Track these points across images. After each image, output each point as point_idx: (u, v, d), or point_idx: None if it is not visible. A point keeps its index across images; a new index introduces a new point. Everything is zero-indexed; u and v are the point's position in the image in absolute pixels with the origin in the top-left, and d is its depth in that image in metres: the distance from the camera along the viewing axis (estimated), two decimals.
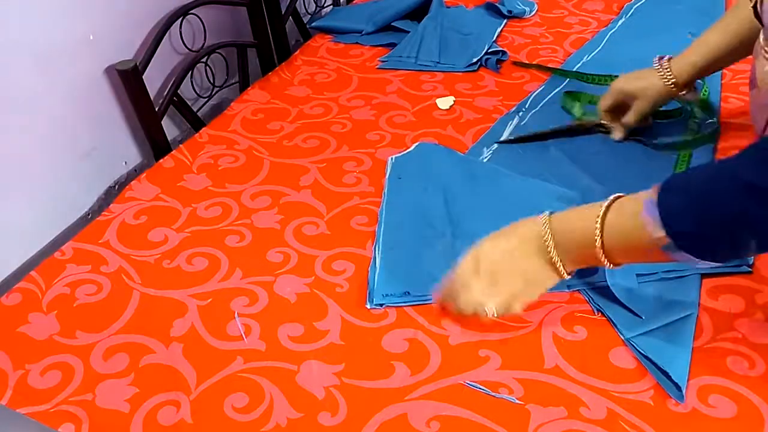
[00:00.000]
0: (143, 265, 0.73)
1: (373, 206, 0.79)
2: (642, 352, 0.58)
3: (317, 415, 0.56)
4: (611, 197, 0.55)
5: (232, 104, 1.01)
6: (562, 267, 0.57)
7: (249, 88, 1.05)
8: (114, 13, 0.88)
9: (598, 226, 0.53)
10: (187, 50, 1.01)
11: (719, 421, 0.54)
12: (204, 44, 1.03)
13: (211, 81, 1.06)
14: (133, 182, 0.85)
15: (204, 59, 1.03)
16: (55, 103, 0.82)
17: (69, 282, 0.71)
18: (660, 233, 0.49)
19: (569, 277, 0.59)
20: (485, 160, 0.85)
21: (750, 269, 0.66)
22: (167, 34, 0.95)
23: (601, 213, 0.54)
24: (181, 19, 0.96)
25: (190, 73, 1.00)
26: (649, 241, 0.50)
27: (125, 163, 0.96)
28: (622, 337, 0.61)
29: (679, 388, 0.55)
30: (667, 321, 0.61)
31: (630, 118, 0.83)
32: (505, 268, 0.59)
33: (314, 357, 0.61)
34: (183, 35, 0.98)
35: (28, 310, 0.68)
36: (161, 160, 0.89)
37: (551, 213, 0.58)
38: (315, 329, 0.64)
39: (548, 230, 0.57)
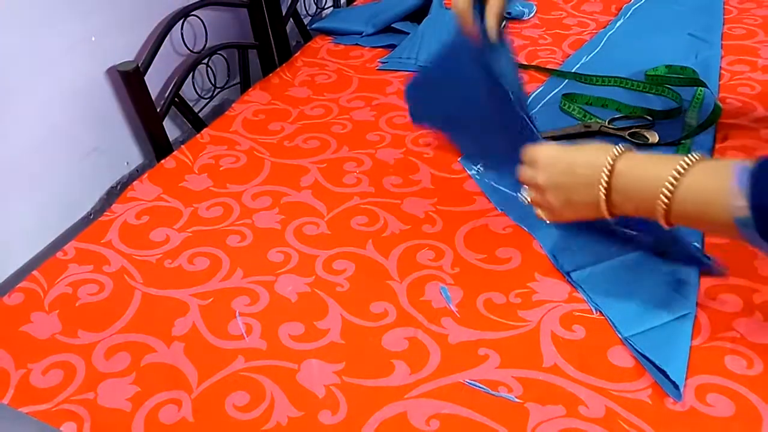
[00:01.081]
0: (145, 264, 0.73)
1: (373, 206, 0.79)
2: (640, 350, 0.59)
3: (318, 414, 0.57)
4: (696, 154, 0.50)
5: (233, 105, 1.02)
6: (605, 207, 0.55)
7: (250, 89, 1.06)
8: (115, 14, 0.88)
9: (673, 179, 0.50)
10: (188, 51, 1.01)
11: (717, 420, 0.54)
12: (205, 45, 1.04)
13: (213, 82, 1.07)
14: (134, 182, 0.85)
15: (205, 60, 1.03)
16: (56, 104, 0.83)
17: (71, 282, 0.71)
18: (742, 202, 0.46)
19: (612, 219, 0.56)
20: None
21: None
22: (169, 36, 0.95)
23: (682, 166, 0.50)
24: (182, 20, 0.97)
25: (191, 74, 1.00)
26: (724, 209, 0.47)
27: (127, 163, 0.97)
28: (620, 335, 0.61)
29: (677, 386, 0.55)
30: (665, 320, 0.61)
31: (491, 20, 0.64)
32: (553, 179, 0.58)
33: (315, 356, 0.62)
34: (184, 36, 0.99)
35: (30, 309, 0.68)
36: (163, 161, 0.90)
37: (625, 149, 0.54)
38: (315, 328, 0.64)
39: (610, 167, 0.54)
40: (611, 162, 0.54)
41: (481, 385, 0.58)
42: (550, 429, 0.54)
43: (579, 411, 0.55)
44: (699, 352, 0.59)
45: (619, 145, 0.55)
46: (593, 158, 0.55)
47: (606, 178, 0.54)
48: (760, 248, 0.49)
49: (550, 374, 0.58)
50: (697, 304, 0.63)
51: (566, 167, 0.57)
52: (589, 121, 0.90)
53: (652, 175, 0.52)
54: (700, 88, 0.93)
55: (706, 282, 0.65)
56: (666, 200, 0.50)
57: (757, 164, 0.47)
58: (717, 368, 0.58)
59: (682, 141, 0.84)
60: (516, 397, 0.57)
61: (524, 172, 0.62)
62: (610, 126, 0.88)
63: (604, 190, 0.54)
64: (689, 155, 0.50)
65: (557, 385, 0.57)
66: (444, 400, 0.57)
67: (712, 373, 0.57)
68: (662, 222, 0.52)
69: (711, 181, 0.49)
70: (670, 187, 0.50)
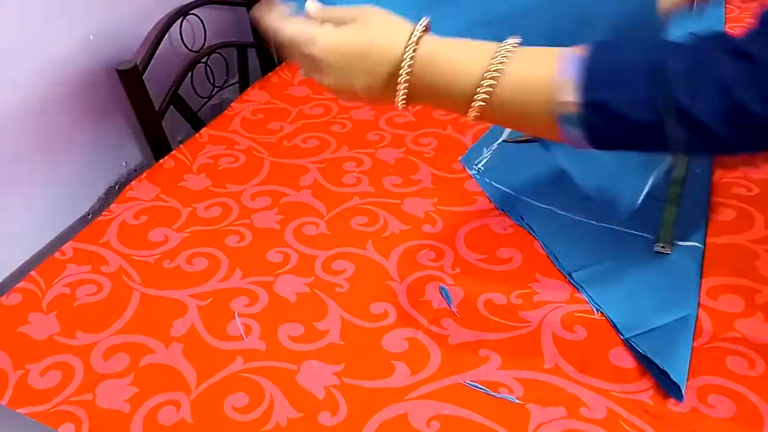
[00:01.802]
0: (143, 265, 0.73)
1: (373, 206, 0.79)
2: (641, 351, 0.58)
3: (317, 415, 0.56)
4: (509, 41, 0.42)
5: (232, 104, 1.02)
6: (401, 98, 0.45)
7: (249, 88, 1.06)
8: (114, 13, 0.88)
9: (495, 70, 0.41)
10: (187, 50, 1.01)
11: (719, 421, 0.54)
12: (204, 44, 1.03)
13: (211, 81, 1.07)
14: (133, 182, 0.85)
15: (204, 59, 1.03)
16: (55, 103, 0.82)
17: (69, 282, 0.71)
18: (570, 98, 0.39)
19: (401, 107, 0.46)
20: (485, 160, 0.85)
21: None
22: (167, 35, 0.95)
23: (502, 54, 0.41)
24: (181, 19, 0.96)
25: (190, 73, 1.00)
26: (546, 104, 0.40)
27: (125, 163, 0.96)
28: (621, 336, 0.61)
29: (678, 387, 0.55)
30: (666, 321, 0.61)
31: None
32: (336, 62, 0.49)
33: (314, 357, 0.61)
34: (183, 35, 0.98)
35: (29, 310, 0.68)
36: (161, 161, 0.90)
37: (423, 32, 0.44)
38: (315, 329, 0.64)
39: (411, 55, 0.43)
40: (410, 48, 0.43)
41: (481, 387, 0.58)
42: (551, 430, 0.54)
43: (580, 412, 0.55)
44: (700, 353, 0.59)
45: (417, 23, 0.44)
46: (385, 40, 0.44)
47: (408, 66, 0.43)
48: (577, 148, 0.41)
49: (551, 375, 0.58)
50: (698, 304, 0.63)
51: (357, 54, 0.47)
52: None
53: (466, 63, 0.42)
54: None
55: (708, 283, 0.65)
56: (485, 95, 0.41)
57: (590, 51, 0.39)
58: (718, 369, 0.57)
59: None
60: (517, 399, 0.56)
61: (300, 36, 0.49)
62: None
63: (405, 80, 0.44)
64: (507, 43, 0.42)
65: (558, 387, 0.57)
66: (444, 402, 0.57)
67: (713, 374, 0.57)
68: (471, 116, 0.43)
69: (535, 72, 0.40)
70: (491, 81, 0.41)
